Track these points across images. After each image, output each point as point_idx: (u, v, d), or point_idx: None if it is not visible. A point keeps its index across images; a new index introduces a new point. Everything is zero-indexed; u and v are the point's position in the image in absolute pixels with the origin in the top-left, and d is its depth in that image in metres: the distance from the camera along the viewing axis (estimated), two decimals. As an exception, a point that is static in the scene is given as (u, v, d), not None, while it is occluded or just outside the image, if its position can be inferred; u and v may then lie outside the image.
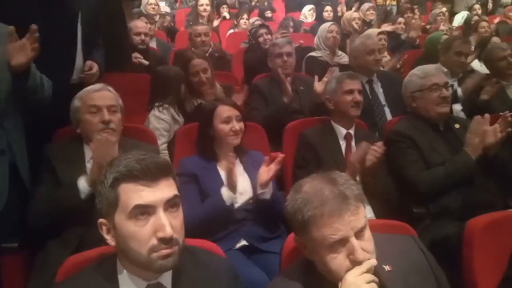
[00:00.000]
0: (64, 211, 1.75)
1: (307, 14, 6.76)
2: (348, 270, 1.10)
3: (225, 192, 1.94)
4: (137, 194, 1.05)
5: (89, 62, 2.38)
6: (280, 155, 1.93)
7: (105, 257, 1.17)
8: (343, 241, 1.10)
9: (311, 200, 1.12)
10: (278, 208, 2.06)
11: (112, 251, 1.16)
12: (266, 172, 1.92)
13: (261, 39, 4.08)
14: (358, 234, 1.11)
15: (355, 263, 1.10)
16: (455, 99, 3.09)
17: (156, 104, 2.75)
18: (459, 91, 3.19)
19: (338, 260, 1.11)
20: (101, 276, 1.12)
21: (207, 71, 2.88)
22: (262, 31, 4.16)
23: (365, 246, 1.12)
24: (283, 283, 1.22)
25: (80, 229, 1.73)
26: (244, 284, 1.33)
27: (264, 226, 2.00)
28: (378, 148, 2.05)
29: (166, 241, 1.04)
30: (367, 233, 1.14)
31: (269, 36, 4.09)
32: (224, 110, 2.11)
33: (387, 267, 1.20)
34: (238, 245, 1.94)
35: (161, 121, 2.70)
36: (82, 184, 1.75)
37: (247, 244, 1.94)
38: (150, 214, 1.05)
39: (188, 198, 1.90)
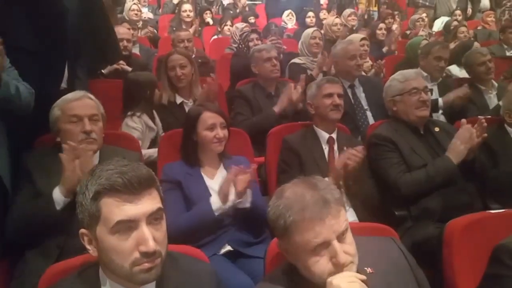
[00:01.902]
0: (41, 223, 1.70)
1: (286, 19, 6.83)
2: (331, 273, 1.11)
3: (215, 201, 1.93)
4: (119, 209, 1.03)
5: None
6: (252, 166, 1.93)
7: (87, 266, 1.16)
8: (325, 245, 1.12)
9: (292, 206, 1.14)
10: (261, 213, 2.07)
11: (95, 259, 1.14)
12: (240, 182, 1.91)
13: (251, 44, 4.10)
14: (340, 237, 1.13)
15: (338, 266, 1.11)
16: (435, 108, 3.15)
17: (128, 113, 2.71)
18: (440, 101, 3.23)
19: (320, 264, 1.12)
20: (84, 284, 1.11)
21: (185, 67, 2.95)
22: (253, 36, 4.18)
23: (347, 249, 1.13)
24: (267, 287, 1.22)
25: (61, 238, 1.70)
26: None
27: (248, 231, 2.01)
28: (357, 152, 2.08)
29: (149, 255, 1.03)
30: (349, 236, 1.16)
31: (259, 42, 4.10)
32: (209, 117, 2.10)
33: (368, 270, 1.21)
34: (222, 251, 1.94)
35: (133, 130, 2.65)
36: (57, 195, 1.71)
37: (231, 249, 1.94)
38: (132, 228, 1.04)
39: (171, 205, 1.89)
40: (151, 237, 1.03)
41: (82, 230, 1.09)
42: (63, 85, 2.31)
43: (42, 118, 2.03)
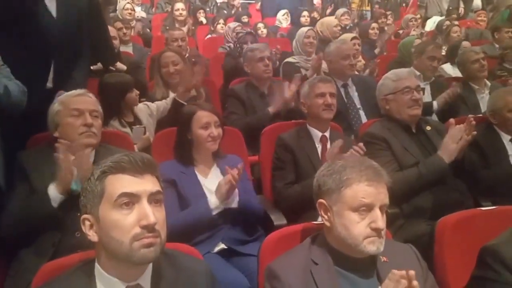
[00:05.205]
0: (36, 220, 1.71)
1: (281, 19, 6.85)
2: (366, 237, 1.23)
3: (213, 201, 1.94)
4: (122, 183, 1.08)
5: None
6: (240, 165, 1.93)
7: (83, 262, 1.17)
8: (370, 207, 1.24)
9: (351, 167, 1.28)
10: (255, 211, 2.09)
11: (91, 256, 1.16)
12: (223, 184, 1.92)
13: (245, 46, 4.09)
14: (382, 208, 1.27)
15: (375, 231, 1.24)
16: (429, 112, 3.16)
17: (111, 122, 2.57)
18: (435, 104, 3.25)
19: (360, 226, 1.24)
20: (78, 280, 1.12)
21: (177, 64, 3.05)
22: (249, 38, 4.19)
23: (383, 221, 1.25)
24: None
25: (56, 236, 1.71)
26: (221, 286, 1.34)
27: (242, 229, 2.02)
28: (359, 149, 2.09)
29: (149, 229, 1.06)
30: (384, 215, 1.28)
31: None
32: (203, 116, 2.10)
33: (383, 259, 1.30)
34: (216, 249, 1.95)
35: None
36: (53, 192, 1.71)
37: (225, 247, 1.95)
38: (134, 203, 1.08)
39: (167, 204, 1.90)
40: (151, 212, 1.07)
41: (84, 216, 1.12)
42: (49, 84, 2.29)
43: (31, 117, 2.02)
